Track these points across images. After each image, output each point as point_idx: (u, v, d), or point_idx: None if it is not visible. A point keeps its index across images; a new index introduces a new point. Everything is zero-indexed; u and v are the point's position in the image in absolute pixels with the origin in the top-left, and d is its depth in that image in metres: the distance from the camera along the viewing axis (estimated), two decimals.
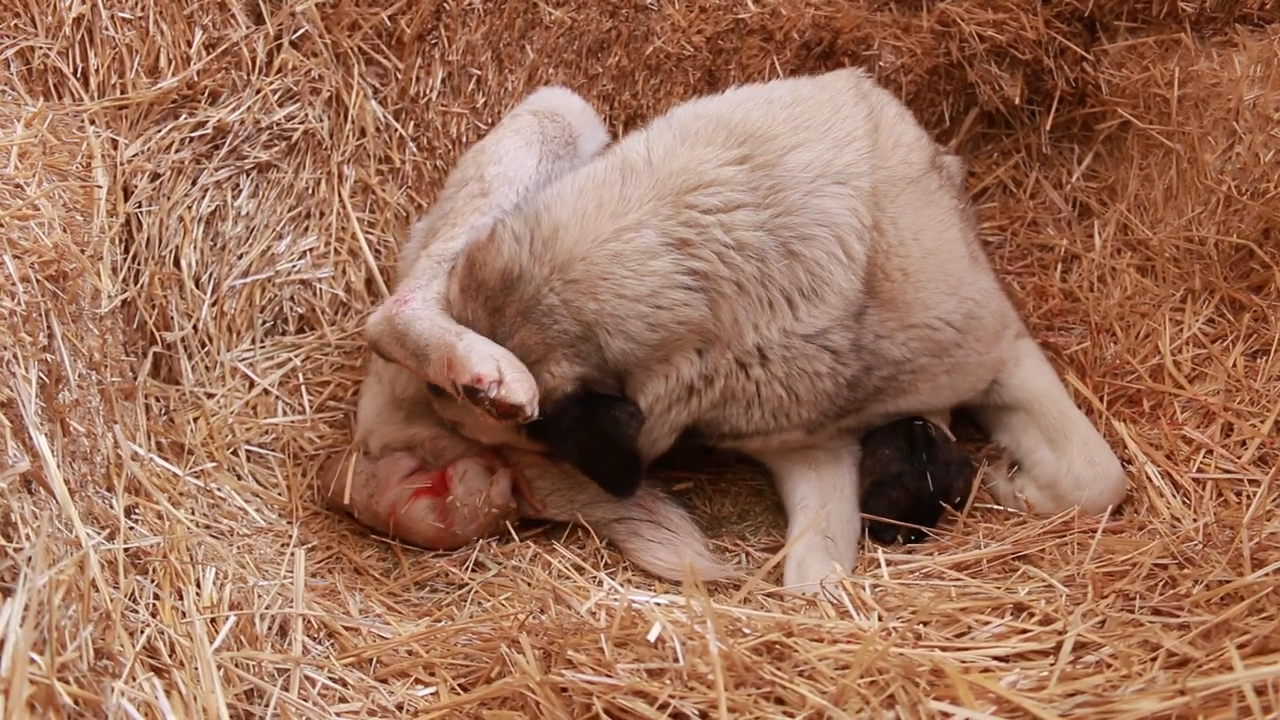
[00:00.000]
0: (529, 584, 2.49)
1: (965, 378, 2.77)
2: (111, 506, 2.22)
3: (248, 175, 3.35)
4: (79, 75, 3.06)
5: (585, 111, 3.28)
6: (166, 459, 2.67)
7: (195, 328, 3.20)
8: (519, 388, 2.39)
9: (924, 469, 2.72)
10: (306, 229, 3.45)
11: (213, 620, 2.02)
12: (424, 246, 2.96)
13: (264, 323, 3.37)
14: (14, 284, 2.05)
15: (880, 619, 2.08)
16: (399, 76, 3.57)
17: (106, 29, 3.06)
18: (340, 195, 3.48)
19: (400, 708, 2.00)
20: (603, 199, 2.50)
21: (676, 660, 1.82)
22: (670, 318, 2.45)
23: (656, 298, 2.44)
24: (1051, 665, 1.83)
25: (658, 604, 2.03)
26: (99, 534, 2.05)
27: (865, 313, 2.55)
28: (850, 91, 2.77)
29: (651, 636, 1.87)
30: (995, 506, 2.80)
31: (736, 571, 2.66)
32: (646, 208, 2.47)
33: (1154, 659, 1.81)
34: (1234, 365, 2.75)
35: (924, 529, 2.69)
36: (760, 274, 2.48)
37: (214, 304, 3.25)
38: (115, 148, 3.03)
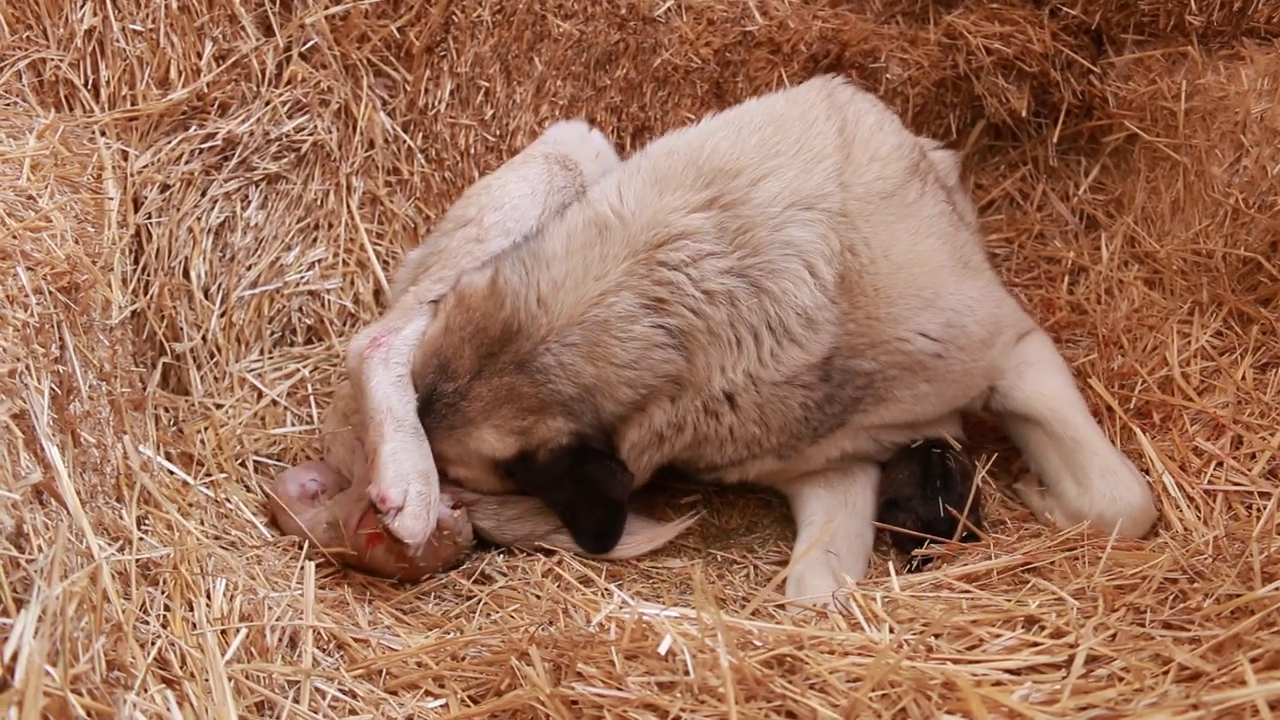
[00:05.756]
0: (538, 596, 2.49)
1: (951, 386, 2.72)
2: (121, 517, 2.22)
3: (257, 186, 3.36)
4: (90, 87, 3.07)
5: (602, 155, 3.26)
6: (176, 470, 2.67)
7: (204, 338, 3.21)
8: (413, 525, 2.47)
9: (936, 497, 2.70)
10: (315, 240, 3.46)
11: (223, 632, 2.03)
12: (414, 280, 2.99)
13: (272, 333, 3.38)
14: (27, 295, 2.05)
15: (892, 631, 2.08)
16: (408, 88, 3.58)
17: (117, 40, 3.08)
18: (349, 206, 3.49)
19: (410, 719, 2.00)
20: (587, 260, 2.53)
21: (687, 673, 1.82)
22: (651, 376, 2.51)
23: (639, 362, 2.50)
24: (1063, 679, 1.83)
25: (668, 617, 2.03)
26: (110, 545, 2.06)
27: (834, 352, 2.56)
28: (823, 104, 2.74)
29: (662, 649, 1.87)
30: (1003, 519, 2.80)
31: (691, 520, 2.85)
32: (622, 267, 2.51)
33: (1166, 673, 1.80)
34: (1243, 378, 2.75)
35: (930, 552, 2.66)
36: (730, 316, 2.50)
37: (223, 315, 3.26)
38: (126, 159, 3.04)
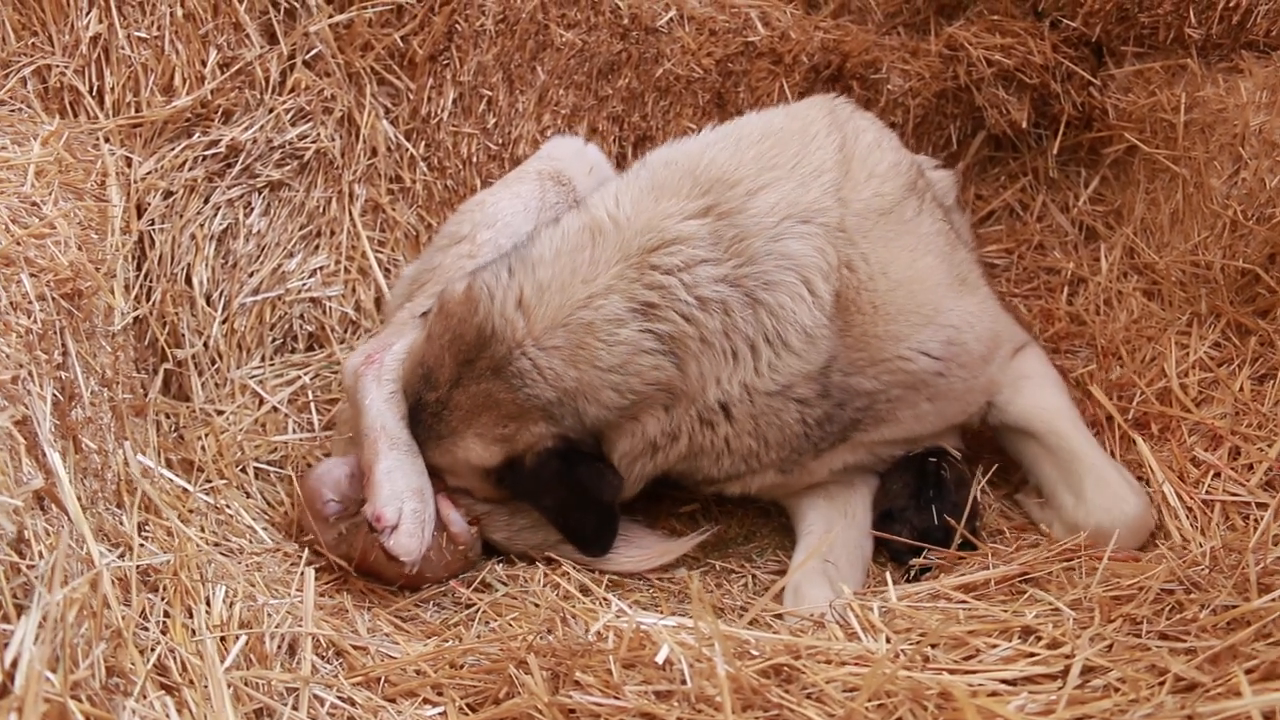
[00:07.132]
0: (536, 605, 2.49)
1: (952, 404, 2.73)
2: (122, 523, 2.23)
3: (259, 193, 3.38)
4: (94, 93, 3.09)
5: (596, 169, 3.28)
6: (176, 476, 2.68)
7: (206, 345, 3.22)
8: (408, 543, 2.49)
9: (930, 506, 2.70)
10: (317, 247, 3.48)
11: (222, 639, 2.03)
12: (409, 296, 3.01)
13: (274, 340, 3.39)
14: (30, 302, 2.07)
15: (888, 641, 2.08)
16: (410, 97, 3.60)
17: (122, 48, 3.09)
18: (351, 214, 3.51)
19: None
20: (576, 263, 2.51)
21: (684, 682, 1.82)
22: (639, 382, 2.48)
23: (626, 366, 2.46)
24: (1059, 689, 1.83)
25: (666, 626, 2.03)
26: (110, 551, 2.06)
27: (832, 361, 2.54)
28: (824, 120, 2.74)
29: (659, 658, 1.88)
30: (1001, 529, 2.80)
31: (704, 535, 2.80)
32: (613, 270, 2.48)
33: (1161, 683, 1.81)
34: (1240, 389, 2.75)
35: (928, 561, 2.67)
36: (724, 325, 2.48)
37: (225, 321, 3.28)
38: (129, 165, 3.05)
